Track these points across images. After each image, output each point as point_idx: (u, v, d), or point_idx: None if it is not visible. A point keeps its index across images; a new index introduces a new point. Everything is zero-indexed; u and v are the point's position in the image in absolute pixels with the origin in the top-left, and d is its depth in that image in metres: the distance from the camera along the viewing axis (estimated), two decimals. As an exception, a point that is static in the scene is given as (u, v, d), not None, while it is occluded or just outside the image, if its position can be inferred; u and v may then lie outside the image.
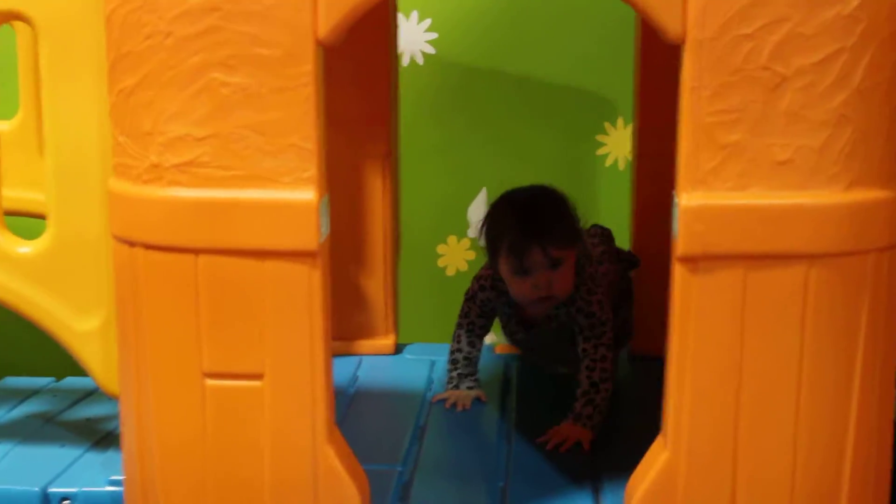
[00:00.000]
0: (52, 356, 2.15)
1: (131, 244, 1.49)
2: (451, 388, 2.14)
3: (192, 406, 1.49)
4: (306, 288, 1.44)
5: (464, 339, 2.16)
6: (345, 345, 2.39)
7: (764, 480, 1.47)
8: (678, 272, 1.44)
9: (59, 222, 1.72)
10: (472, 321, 2.15)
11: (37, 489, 1.80)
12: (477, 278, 2.14)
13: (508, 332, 2.20)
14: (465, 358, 2.15)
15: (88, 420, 2.08)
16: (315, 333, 1.45)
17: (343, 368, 2.29)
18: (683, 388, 1.46)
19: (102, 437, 1.99)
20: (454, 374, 2.15)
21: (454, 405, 2.10)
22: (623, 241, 2.44)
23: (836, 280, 1.43)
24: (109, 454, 1.89)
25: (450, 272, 2.94)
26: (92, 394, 2.17)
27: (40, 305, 1.75)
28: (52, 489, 1.81)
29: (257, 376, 1.47)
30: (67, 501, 1.81)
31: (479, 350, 2.17)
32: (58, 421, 2.09)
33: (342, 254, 2.37)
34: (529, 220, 1.98)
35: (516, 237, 1.96)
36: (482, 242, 2.06)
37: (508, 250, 1.97)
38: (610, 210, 2.97)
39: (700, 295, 1.43)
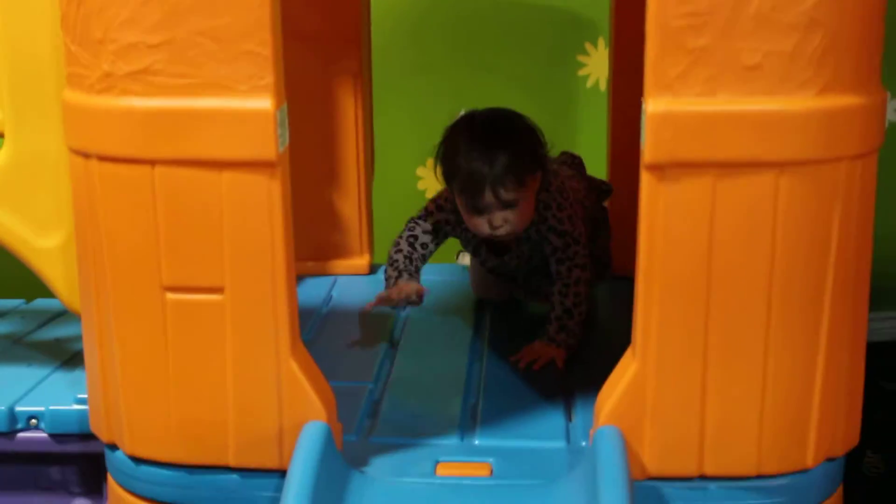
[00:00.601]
0: (22, 278, 2.13)
1: (86, 156, 1.46)
2: (390, 286, 1.98)
3: (153, 321, 1.47)
4: (266, 199, 1.41)
5: (403, 243, 2.00)
6: (319, 265, 2.37)
7: (734, 391, 1.46)
8: (645, 181, 1.41)
9: (15, 138, 1.69)
10: (416, 235, 2.00)
11: (3, 408, 1.79)
12: (435, 199, 2.02)
13: (480, 260, 2.09)
14: (407, 258, 1.98)
15: (57, 340, 2.07)
16: (276, 246, 1.43)
17: (317, 288, 2.27)
18: (651, 300, 1.44)
19: (71, 356, 1.98)
20: (392, 272, 1.99)
21: (404, 303, 1.95)
22: (603, 163, 2.41)
23: (807, 189, 1.40)
24: (77, 373, 1.87)
25: (430, 195, 2.91)
26: (61, 315, 2.15)
27: (1, 223, 1.71)
28: (20, 408, 1.81)
29: (217, 290, 1.44)
30: (35, 420, 1.79)
31: (422, 260, 2.01)
32: (26, 342, 2.08)
33: (315, 173, 2.34)
34: (482, 159, 1.82)
35: (466, 178, 1.83)
36: (436, 169, 1.93)
37: (460, 189, 1.86)
38: (591, 132, 2.94)
39: (668, 204, 1.40)
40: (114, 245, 1.46)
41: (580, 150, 3.03)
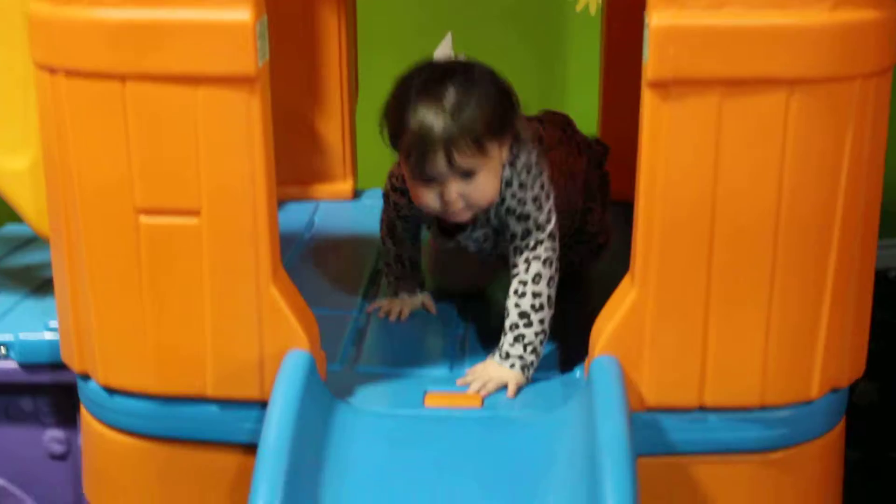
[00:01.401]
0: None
1: (52, 71, 1.37)
2: (390, 297, 1.76)
3: (126, 245, 1.39)
4: (245, 116, 1.33)
5: (388, 242, 1.76)
6: (301, 189, 2.28)
7: (738, 320, 1.40)
8: (648, 99, 1.33)
9: (-23, 55, 1.59)
10: (394, 224, 1.75)
11: (-29, 337, 1.72)
12: (390, 175, 1.72)
13: (436, 241, 1.77)
14: (398, 258, 1.75)
15: (28, 267, 1.99)
16: (256, 166, 1.35)
17: (299, 214, 2.19)
18: (653, 223, 1.37)
19: (41, 283, 1.90)
20: (390, 278, 1.77)
21: (391, 316, 1.73)
22: (595, 87, 2.32)
23: (818, 108, 1.33)
24: (48, 301, 1.79)
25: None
26: (32, 241, 2.07)
27: (-37, 144, 1.62)
28: (-11, 337, 1.73)
29: (194, 212, 1.37)
30: (3, 349, 1.72)
31: (415, 252, 1.76)
32: (-5, 268, 2.00)
33: (296, 93, 2.25)
34: (433, 112, 1.47)
35: (414, 137, 1.48)
36: (383, 133, 1.58)
37: (407, 152, 1.51)
38: (581, 59, 2.86)
39: (671, 123, 1.33)
40: (84, 165, 1.38)
41: (569, 78, 2.97)
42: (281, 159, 1.45)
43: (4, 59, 1.58)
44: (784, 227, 1.37)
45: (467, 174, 1.50)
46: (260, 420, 1.40)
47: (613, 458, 1.27)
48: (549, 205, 1.59)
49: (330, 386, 1.47)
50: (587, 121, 2.37)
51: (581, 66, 2.86)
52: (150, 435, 1.47)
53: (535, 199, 1.57)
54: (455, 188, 1.50)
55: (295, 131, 2.26)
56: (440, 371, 1.56)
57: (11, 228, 2.15)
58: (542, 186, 1.58)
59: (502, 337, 1.54)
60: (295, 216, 2.18)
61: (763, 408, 1.44)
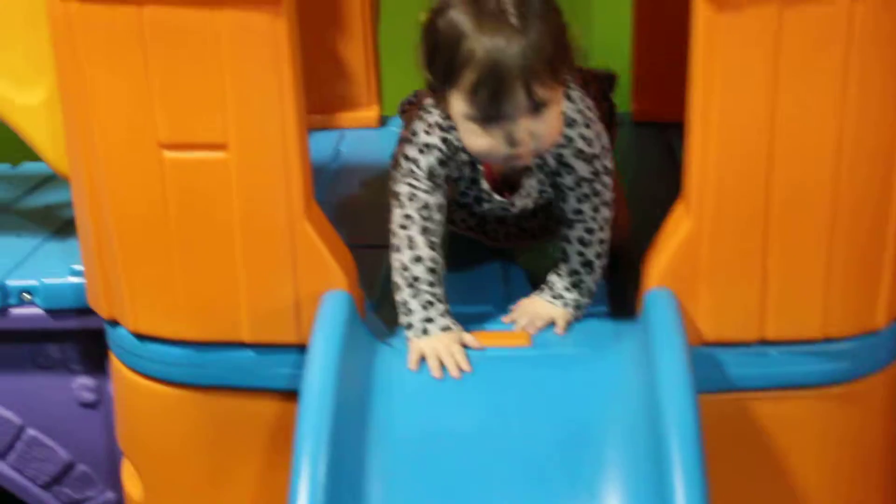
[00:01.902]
0: (7, 139, 1.97)
1: (64, -2, 1.29)
2: (419, 335, 1.37)
3: (150, 183, 1.32)
4: (271, 40, 1.25)
5: (420, 241, 1.39)
6: (324, 118, 2.20)
7: (798, 249, 1.32)
8: (701, 12, 1.25)
9: (-16, -17, 1.50)
10: (424, 206, 1.40)
11: (-7, 283, 1.65)
12: (410, 137, 1.42)
13: (459, 210, 1.54)
14: (431, 271, 1.38)
15: (48, 207, 1.92)
16: (285, 94, 1.27)
17: (323, 143, 2.11)
18: (708, 147, 1.29)
19: (63, 224, 1.84)
20: (415, 303, 1.38)
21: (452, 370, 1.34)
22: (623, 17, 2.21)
23: (886, 15, 1.24)
24: (71, 243, 1.72)
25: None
26: (51, 179, 2.00)
27: (-25, 78, 1.55)
28: (11, 282, 1.67)
29: (221, 146, 1.30)
30: (28, 294, 1.66)
31: (442, 259, 1.41)
32: (14, 209, 1.94)
33: (318, 18, 2.15)
34: (505, 36, 1.26)
35: (486, 68, 1.26)
36: (424, 67, 1.35)
37: (472, 87, 1.27)
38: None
39: (727, 37, 1.25)
40: (101, 99, 1.31)
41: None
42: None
43: (12, -12, 1.50)
44: (847, 147, 1.29)
45: (538, 108, 1.29)
46: (298, 365, 1.34)
47: (674, 394, 1.21)
48: (607, 140, 1.44)
49: (369, 325, 1.40)
50: (614, 34, 2.28)
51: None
52: (184, 383, 1.41)
53: (598, 136, 1.41)
54: (525, 127, 1.29)
55: (316, 57, 2.16)
56: (485, 307, 1.49)
57: (29, 167, 2.08)
58: (598, 122, 1.43)
59: (555, 278, 1.44)
60: (320, 146, 2.09)
61: (826, 340, 1.37)
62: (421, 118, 1.40)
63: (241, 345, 1.38)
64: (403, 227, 1.39)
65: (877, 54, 1.25)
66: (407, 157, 1.40)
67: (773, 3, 1.22)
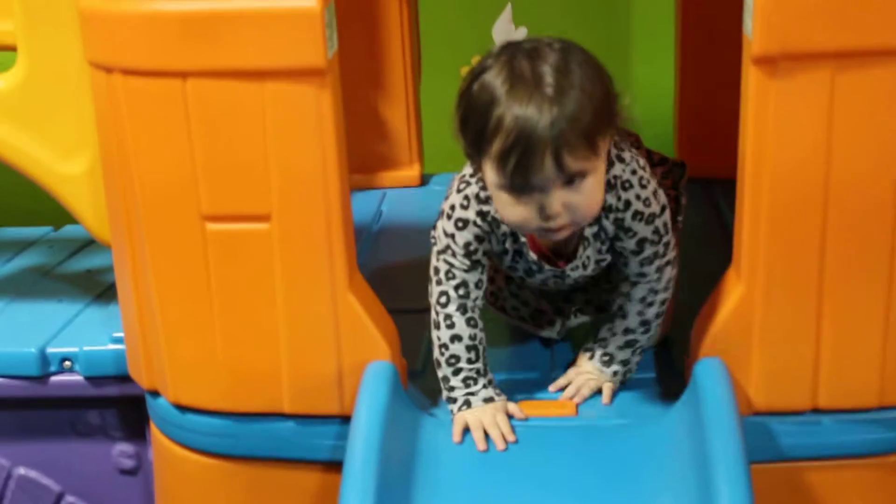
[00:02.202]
0: (49, 202, 1.97)
1: (108, 70, 1.29)
2: (462, 408, 1.34)
3: (193, 255, 1.31)
4: (315, 111, 1.24)
5: (458, 320, 1.36)
6: (366, 178, 2.19)
7: (854, 314, 1.29)
8: (753, 77, 1.23)
9: (30, 52, 1.51)
10: (461, 284, 1.37)
11: (34, 350, 1.65)
12: (449, 211, 1.37)
13: (516, 277, 1.48)
14: (470, 348, 1.36)
15: (89, 272, 1.92)
16: (329, 164, 1.26)
17: (365, 203, 2.10)
18: (759, 213, 1.27)
19: (104, 289, 1.84)
20: (456, 380, 1.35)
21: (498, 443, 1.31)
22: (665, 58, 2.19)
23: (939, 78, 1.21)
24: (112, 308, 1.72)
25: (476, 96, 2.72)
26: (92, 243, 1.99)
27: (19, 147, 1.55)
28: (51, 349, 1.67)
29: (264, 217, 1.28)
30: (69, 362, 1.65)
31: (483, 332, 1.38)
32: (56, 274, 1.93)
33: (359, 78, 2.15)
34: (536, 104, 1.20)
35: (513, 136, 1.21)
36: (458, 133, 1.31)
37: (501, 156, 1.22)
38: (645, 25, 2.73)
39: (779, 102, 1.23)
40: (145, 170, 1.30)
41: (634, 53, 2.84)
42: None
43: (55, 58, 1.50)
44: (903, 211, 1.25)
45: (572, 180, 1.24)
46: (340, 436, 1.33)
47: (728, 469, 1.18)
48: (664, 198, 1.38)
49: (412, 395, 1.38)
50: (654, 95, 2.26)
51: (647, 39, 2.73)
52: (225, 454, 1.40)
53: (655, 194, 1.35)
54: (559, 198, 1.24)
55: (358, 117, 2.16)
56: (530, 376, 1.46)
57: (70, 230, 2.08)
58: (654, 179, 1.37)
59: (608, 335, 1.40)
60: (362, 206, 2.09)
61: (882, 408, 1.34)
62: (460, 190, 1.37)
63: (283, 416, 1.36)
64: (442, 304, 1.37)
65: (931, 117, 1.23)
66: (445, 233, 1.37)
67: (826, 68, 1.20)
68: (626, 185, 1.32)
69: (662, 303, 1.38)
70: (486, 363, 1.36)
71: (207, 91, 1.24)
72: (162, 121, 1.26)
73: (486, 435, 1.31)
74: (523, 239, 1.38)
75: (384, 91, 2.18)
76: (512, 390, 1.41)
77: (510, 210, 1.26)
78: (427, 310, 1.63)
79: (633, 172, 1.33)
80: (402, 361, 1.38)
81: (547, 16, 2.72)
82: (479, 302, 1.38)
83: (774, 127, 1.23)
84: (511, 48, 1.27)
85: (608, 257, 1.39)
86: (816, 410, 1.34)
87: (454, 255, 1.36)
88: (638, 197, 1.33)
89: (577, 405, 1.38)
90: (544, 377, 1.45)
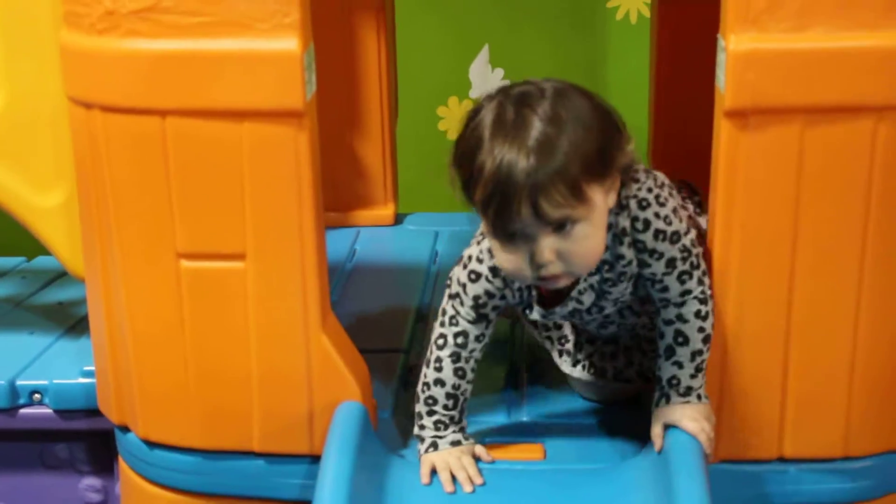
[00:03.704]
0: (23, 233, 1.97)
1: (88, 106, 1.29)
2: (429, 450, 1.34)
3: (167, 291, 1.31)
4: (292, 153, 1.25)
5: (447, 366, 1.35)
6: (340, 216, 2.20)
7: (820, 364, 1.31)
8: (724, 130, 1.25)
9: (8, 86, 1.53)
10: (462, 333, 1.36)
11: (3, 382, 1.65)
12: (466, 261, 1.35)
13: (533, 321, 1.49)
14: (450, 396, 1.35)
15: (61, 304, 1.91)
16: (304, 205, 1.27)
17: (339, 242, 2.11)
18: (728, 263, 1.29)
19: (76, 322, 1.83)
20: (428, 421, 1.35)
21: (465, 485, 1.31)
22: (639, 101, 2.22)
23: (908, 137, 1.24)
24: (83, 342, 1.72)
25: (452, 136, 2.74)
26: (65, 275, 1.99)
27: (-6, 179, 1.55)
28: (21, 381, 1.66)
29: (239, 256, 1.29)
30: (38, 395, 1.65)
31: (471, 384, 1.37)
32: (27, 305, 1.93)
33: (336, 117, 2.16)
34: (513, 151, 1.19)
35: (490, 181, 1.20)
36: (454, 182, 1.28)
37: (484, 202, 1.22)
38: (621, 70, 2.77)
39: (750, 155, 1.25)
40: (121, 207, 1.31)
41: (610, 90, 2.88)
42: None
43: (33, 92, 1.52)
44: (870, 263, 1.28)
45: (561, 226, 1.21)
46: (309, 475, 1.33)
47: (692, 515, 1.18)
48: (684, 214, 1.33)
49: (381, 435, 1.39)
50: (630, 120, 2.28)
51: (622, 76, 2.77)
52: (194, 491, 1.39)
53: (675, 212, 1.30)
54: (548, 245, 1.21)
55: (334, 155, 2.17)
56: (498, 418, 1.47)
57: (43, 261, 2.08)
58: (674, 197, 1.32)
59: (675, 369, 1.31)
60: (336, 245, 2.09)
61: (846, 458, 1.35)
62: (478, 242, 1.34)
63: (252, 454, 1.36)
64: (438, 346, 1.36)
65: (898, 173, 1.25)
66: (458, 281, 1.35)
67: (796, 123, 1.23)
68: (643, 203, 1.28)
69: (712, 313, 1.31)
70: (462, 412, 1.36)
71: (186, 129, 1.24)
72: (140, 158, 1.27)
73: (454, 477, 1.32)
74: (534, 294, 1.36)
75: (360, 130, 2.20)
76: (481, 433, 1.42)
77: (503, 258, 1.25)
78: (398, 350, 1.66)
79: (650, 191, 1.29)
80: (372, 402, 1.39)
81: (524, 59, 2.75)
82: (475, 354, 1.36)
83: (744, 178, 1.25)
84: (504, 92, 1.26)
85: (626, 291, 1.34)
86: (782, 459, 1.35)
87: (462, 303, 1.35)
88: (657, 215, 1.28)
89: (544, 450, 1.39)
90: (513, 419, 1.46)
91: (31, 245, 1.96)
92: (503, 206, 1.20)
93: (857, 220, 1.26)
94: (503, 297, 1.35)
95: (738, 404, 1.33)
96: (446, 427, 1.35)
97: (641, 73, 2.26)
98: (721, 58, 1.24)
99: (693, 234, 1.32)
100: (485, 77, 2.77)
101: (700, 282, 1.30)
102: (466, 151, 1.23)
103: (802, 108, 1.22)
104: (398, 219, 2.24)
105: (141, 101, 1.25)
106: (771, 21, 1.20)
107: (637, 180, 1.29)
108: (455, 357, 1.35)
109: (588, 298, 1.34)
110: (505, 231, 1.22)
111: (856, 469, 1.36)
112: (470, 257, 1.35)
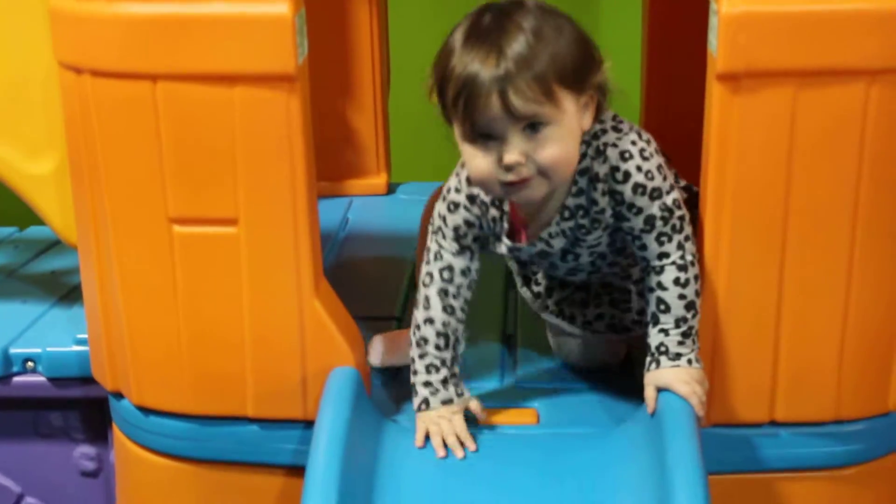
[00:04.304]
0: (15, 203, 1.97)
1: (78, 71, 1.29)
2: (420, 408, 1.33)
3: (159, 257, 1.31)
4: (284, 117, 1.24)
5: (435, 302, 1.34)
6: (333, 185, 2.19)
7: (812, 329, 1.31)
8: (716, 93, 1.25)
9: (-1, 51, 1.51)
10: (447, 268, 1.35)
11: (-4, 350, 1.64)
12: (445, 193, 1.36)
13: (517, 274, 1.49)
14: (440, 335, 1.34)
15: (54, 273, 1.91)
16: (297, 170, 1.26)
17: (332, 211, 2.11)
18: (721, 225, 1.29)
19: (69, 291, 1.83)
20: (420, 365, 1.34)
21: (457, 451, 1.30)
22: (631, 67, 2.21)
23: (900, 100, 1.24)
24: (76, 310, 1.72)
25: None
26: (58, 244, 1.99)
27: (-15, 146, 1.54)
28: (14, 350, 1.66)
29: (231, 221, 1.29)
30: (31, 363, 1.65)
31: (461, 324, 1.36)
32: (20, 274, 1.92)
33: (328, 86, 2.16)
34: (484, 51, 1.21)
35: (460, 82, 1.21)
36: (431, 96, 1.29)
37: (452, 101, 1.22)
38: (613, 37, 2.75)
39: (742, 119, 1.24)
40: (113, 172, 1.30)
41: (603, 55, 2.87)
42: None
43: (24, 56, 1.50)
44: (862, 227, 1.28)
45: (533, 126, 1.21)
46: (303, 441, 1.33)
47: (685, 478, 1.19)
48: (669, 174, 1.32)
49: (375, 400, 1.39)
50: (621, 103, 2.28)
51: (614, 43, 2.76)
52: (188, 457, 1.40)
53: (659, 169, 1.29)
54: (517, 146, 1.22)
55: (327, 125, 2.17)
56: (491, 383, 1.47)
57: (36, 230, 2.07)
58: (660, 158, 1.31)
59: (662, 336, 1.30)
60: (328, 213, 2.09)
61: (837, 421, 1.36)
62: (457, 174, 1.35)
63: (246, 419, 1.37)
64: (424, 284, 1.36)
65: (892, 136, 1.25)
66: (439, 214, 1.36)
67: (789, 86, 1.23)
68: (625, 155, 1.28)
69: (696, 279, 1.30)
70: (455, 357, 1.35)
71: (177, 94, 1.24)
72: (131, 123, 1.26)
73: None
74: (507, 217, 1.35)
75: (353, 99, 2.19)
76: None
77: (473, 164, 1.25)
78: (391, 318, 1.66)
79: (633, 143, 1.29)
80: (365, 367, 1.39)
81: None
82: (462, 291, 1.36)
83: (737, 142, 1.25)
84: (485, 7, 1.27)
85: (601, 240, 1.34)
86: (774, 423, 1.36)
87: (444, 236, 1.35)
88: (639, 168, 1.28)
89: (537, 414, 1.39)
90: (506, 384, 1.47)
91: (23, 214, 1.96)
92: (473, 99, 1.20)
93: (850, 184, 1.26)
94: (481, 227, 1.36)
95: (731, 369, 1.33)
96: (437, 371, 1.33)
97: (634, 38, 2.25)
98: (713, 21, 1.24)
99: (677, 194, 1.31)
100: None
101: (680, 246, 1.30)
102: (441, 56, 1.25)
103: (795, 71, 1.22)
104: (391, 188, 2.24)
105: (131, 66, 1.24)
106: (764, -17, 1.20)
107: (619, 130, 1.30)
108: (443, 292, 1.34)
109: (558, 243, 1.34)
110: (474, 127, 1.22)
111: (847, 432, 1.36)
112: (448, 189, 1.36)
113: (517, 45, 1.21)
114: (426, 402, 1.33)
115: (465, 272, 1.36)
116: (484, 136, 1.23)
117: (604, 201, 1.30)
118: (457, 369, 1.35)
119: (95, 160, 1.31)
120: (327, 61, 2.15)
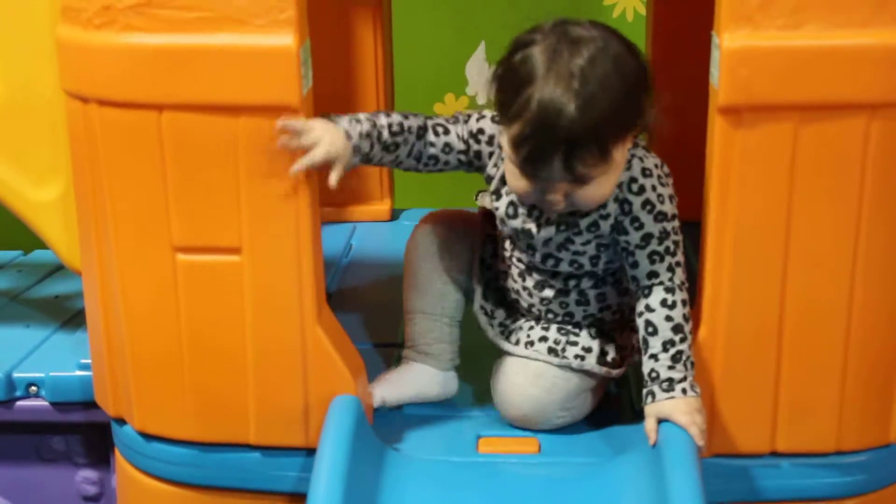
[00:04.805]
0: (20, 227, 1.98)
1: (84, 100, 1.30)
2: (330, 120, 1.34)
3: (163, 285, 1.32)
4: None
5: (394, 120, 1.39)
6: (336, 211, 2.20)
7: (813, 360, 1.32)
8: (718, 126, 1.25)
9: (6, 80, 1.53)
10: (422, 126, 1.39)
11: (0, 374, 1.64)
12: (478, 115, 1.41)
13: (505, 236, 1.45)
14: (369, 119, 1.38)
15: (57, 298, 1.92)
16: (301, 200, 1.27)
17: (335, 236, 2.11)
18: (722, 258, 1.29)
19: (72, 315, 1.83)
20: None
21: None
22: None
23: (901, 134, 1.24)
24: (79, 335, 1.73)
25: (448, 132, 2.75)
26: (61, 268, 2.00)
27: (-9, 173, 1.55)
28: (18, 374, 1.66)
29: (234, 250, 1.29)
30: (34, 387, 1.65)
31: (390, 135, 1.38)
32: (24, 299, 1.93)
33: (332, 112, 2.16)
34: (564, 101, 1.21)
35: (534, 126, 1.23)
36: (491, 89, 1.32)
37: (517, 139, 1.25)
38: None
39: (743, 152, 1.25)
40: (118, 200, 1.31)
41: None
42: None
43: (31, 86, 1.52)
44: (862, 261, 1.29)
45: (582, 180, 1.26)
46: (305, 468, 1.33)
47: (685, 509, 1.19)
48: (675, 209, 1.35)
49: (377, 429, 1.39)
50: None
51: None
52: (190, 483, 1.40)
53: (671, 199, 1.34)
54: (563, 189, 1.27)
55: (330, 151, 2.18)
56: (493, 412, 1.47)
57: (40, 254, 2.08)
58: (671, 189, 1.36)
59: (652, 363, 1.31)
60: (331, 239, 2.10)
61: (839, 453, 1.36)
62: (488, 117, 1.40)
63: (248, 447, 1.37)
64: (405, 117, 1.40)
65: (892, 170, 1.26)
66: (474, 115, 1.40)
67: (790, 119, 1.23)
68: (647, 172, 1.33)
69: (684, 303, 1.32)
70: (378, 116, 1.37)
71: (182, 124, 1.25)
72: (136, 152, 1.27)
73: None
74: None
75: (357, 125, 2.20)
76: (475, 426, 1.43)
77: (515, 181, 1.30)
78: (394, 345, 1.66)
79: (656, 166, 1.34)
80: (367, 395, 1.40)
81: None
82: (411, 141, 1.39)
83: (738, 175, 1.26)
84: (560, 29, 1.28)
85: (586, 250, 1.37)
86: (775, 454, 1.36)
87: (456, 121, 1.39)
88: (654, 188, 1.32)
89: (538, 444, 1.39)
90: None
91: (27, 239, 1.97)
92: (537, 153, 1.24)
93: (851, 217, 1.27)
94: (482, 157, 1.39)
95: (732, 399, 1.33)
96: (360, 123, 1.35)
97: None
98: (715, 55, 1.25)
99: (677, 224, 1.34)
100: (482, 74, 2.77)
101: (670, 269, 1.33)
102: (515, 79, 1.26)
103: (796, 105, 1.23)
104: (394, 214, 2.24)
105: (137, 96, 1.25)
106: (765, 18, 1.21)
107: (647, 149, 1.36)
108: (399, 125, 1.38)
109: (547, 232, 1.36)
110: (531, 172, 1.27)
111: (848, 464, 1.37)
112: (483, 116, 1.39)
113: (589, 104, 1.22)
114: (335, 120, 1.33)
115: (421, 134, 1.39)
116: (533, 176, 1.27)
117: (612, 207, 1.34)
118: (368, 126, 1.35)
119: (100, 188, 1.32)
120: (332, 88, 2.16)
